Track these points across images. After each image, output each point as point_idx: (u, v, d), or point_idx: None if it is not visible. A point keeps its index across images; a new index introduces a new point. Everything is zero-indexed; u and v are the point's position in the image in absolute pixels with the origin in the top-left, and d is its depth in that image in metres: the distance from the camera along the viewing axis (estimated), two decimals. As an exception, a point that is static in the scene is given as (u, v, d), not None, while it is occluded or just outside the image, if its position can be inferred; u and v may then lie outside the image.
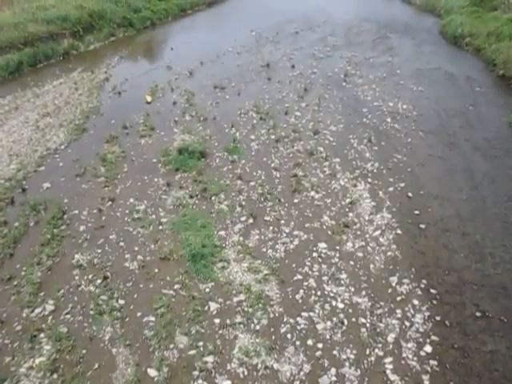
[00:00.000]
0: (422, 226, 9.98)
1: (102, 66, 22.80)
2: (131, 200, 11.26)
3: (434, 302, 8.06)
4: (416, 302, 8.06)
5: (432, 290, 8.29)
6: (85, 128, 15.58)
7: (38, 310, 8.11)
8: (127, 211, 10.84)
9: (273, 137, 14.27)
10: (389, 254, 9.23)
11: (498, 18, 25.31)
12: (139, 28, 31.56)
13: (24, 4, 29.42)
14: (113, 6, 31.01)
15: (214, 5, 42.74)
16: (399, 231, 9.87)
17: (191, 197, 11.25)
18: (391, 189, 11.40)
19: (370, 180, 11.80)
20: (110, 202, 11.23)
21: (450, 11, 30.75)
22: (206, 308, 8.02)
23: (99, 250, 9.54)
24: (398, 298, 8.15)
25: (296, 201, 11.04)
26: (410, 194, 11.14)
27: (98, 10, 29.11)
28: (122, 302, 8.21)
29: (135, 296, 8.35)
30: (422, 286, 8.41)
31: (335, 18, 33.40)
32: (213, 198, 11.19)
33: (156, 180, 12.15)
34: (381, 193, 11.24)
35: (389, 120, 15.34)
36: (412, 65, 21.65)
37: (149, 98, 17.85)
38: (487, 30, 23.37)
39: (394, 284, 8.47)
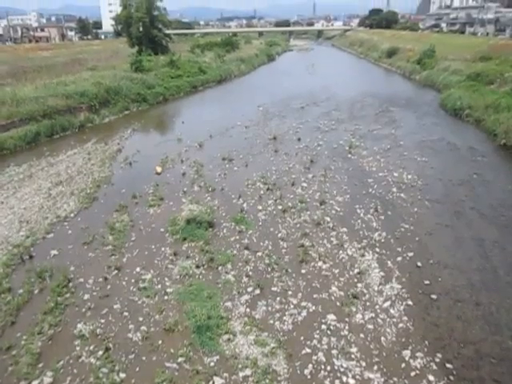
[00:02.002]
0: (434, 297, 9.75)
1: (115, 138, 23.79)
2: (138, 269, 11.20)
3: (451, 377, 7.64)
4: (432, 377, 7.66)
5: (448, 365, 7.90)
6: (95, 197, 15.91)
7: (35, 383, 7.81)
8: (133, 280, 10.75)
9: (280, 207, 14.44)
10: (400, 325, 8.94)
11: (495, 91, 26.54)
12: (152, 103, 33.34)
13: (46, 80, 31.51)
14: (128, 82, 33.05)
15: (224, 82, 45.40)
16: (410, 302, 9.63)
17: (198, 267, 11.18)
18: (400, 258, 11.30)
19: (377, 250, 11.74)
20: (116, 271, 11.17)
21: (449, 86, 32.38)
22: (211, 383, 7.69)
23: (102, 320, 9.35)
24: (413, 374, 7.75)
25: (303, 271, 10.92)
26: (419, 264, 11.02)
27: (114, 86, 31.01)
28: (122, 375, 7.89)
29: (137, 369, 8.04)
30: (437, 360, 8.03)
31: (339, 94, 35.10)
32: (219, 268, 11.11)
33: (163, 249, 12.16)
34: (389, 262, 11.13)
35: (394, 190, 15.56)
36: (415, 136, 22.37)
37: (159, 169, 18.37)
38: (485, 102, 24.47)
39: (407, 358, 8.09)
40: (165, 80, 37.71)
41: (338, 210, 14.21)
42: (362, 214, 13.82)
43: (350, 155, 19.58)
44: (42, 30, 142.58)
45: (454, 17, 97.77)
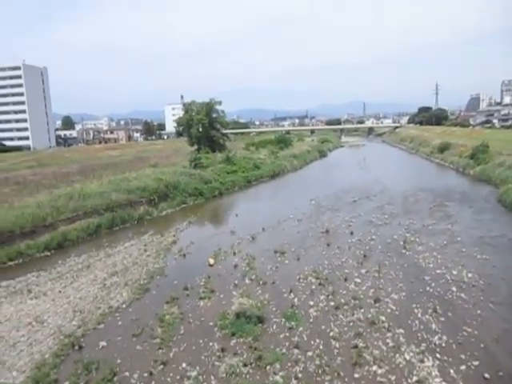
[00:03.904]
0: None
1: (171, 230, 24.71)
2: (184, 365, 10.97)
3: None
4: None
5: None
6: (148, 288, 16.22)
7: None
8: (178, 377, 10.49)
9: (332, 303, 13.97)
10: None
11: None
12: (208, 197, 34.79)
13: (111, 176, 34.14)
14: (187, 178, 35.05)
15: (277, 177, 46.92)
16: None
17: (245, 365, 10.77)
18: (463, 367, 10.30)
19: (438, 355, 10.81)
20: (162, 366, 10.99)
21: (507, 181, 31.41)
22: None
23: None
24: None
25: (357, 375, 10.20)
26: (486, 375, 9.95)
27: (173, 181, 32.96)
28: None
29: None
30: None
31: (391, 188, 35.02)
32: (267, 367, 10.63)
33: (211, 344, 11.92)
34: (452, 371, 10.15)
35: (454, 289, 14.65)
36: (473, 232, 21.47)
37: (211, 261, 18.64)
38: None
39: None
40: (221, 175, 39.66)
41: (394, 308, 13.50)
42: (419, 315, 13.01)
43: (404, 251, 18.99)
44: (112, 133, 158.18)
45: (506, 113, 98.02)
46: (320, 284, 15.58)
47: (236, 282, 16.24)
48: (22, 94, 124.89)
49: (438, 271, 16.34)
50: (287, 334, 12.24)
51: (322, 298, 14.41)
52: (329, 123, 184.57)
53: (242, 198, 36.24)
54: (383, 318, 12.79)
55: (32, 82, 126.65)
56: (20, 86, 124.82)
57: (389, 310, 13.38)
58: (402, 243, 19.90)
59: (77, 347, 12.09)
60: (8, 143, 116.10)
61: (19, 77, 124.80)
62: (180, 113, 71.73)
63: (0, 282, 17.19)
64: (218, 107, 58.41)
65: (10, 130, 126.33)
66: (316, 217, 26.41)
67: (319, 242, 20.87)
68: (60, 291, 16.10)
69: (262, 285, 15.83)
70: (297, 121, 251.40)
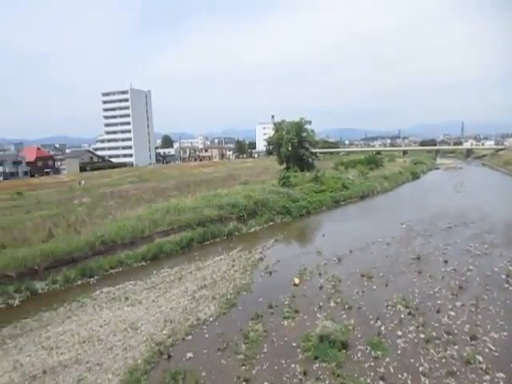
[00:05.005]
0: None
1: (258, 247, 25.15)
2: (265, 384, 11.03)
3: None
4: None
5: None
6: (234, 303, 16.62)
7: None
8: (261, 396, 10.56)
9: (422, 336, 13.18)
10: None
11: None
12: (296, 215, 34.92)
13: (204, 192, 35.82)
14: (275, 196, 35.58)
15: (366, 198, 45.62)
16: None
17: (328, 391, 10.56)
18: None
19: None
20: (244, 383, 11.16)
21: None
22: None
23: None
24: None
25: (449, 417, 9.48)
26: None
27: (262, 199, 33.66)
28: None
29: None
30: None
31: (492, 216, 32.23)
32: (351, 396, 10.31)
33: (293, 366, 11.86)
34: None
35: None
36: None
37: (297, 281, 18.63)
38: None
39: None
40: (309, 194, 39.65)
41: (493, 348, 12.35)
42: (524, 358, 11.76)
43: (507, 285, 17.33)
44: (206, 151, 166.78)
45: None
46: (410, 313, 14.80)
47: (321, 303, 16.04)
48: (128, 116, 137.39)
49: (548, 310, 14.68)
50: (372, 364, 11.79)
51: (412, 329, 13.67)
52: (423, 144, 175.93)
53: (329, 218, 35.79)
54: (480, 359, 11.77)
55: (137, 105, 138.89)
56: (127, 108, 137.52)
57: (487, 350, 12.28)
58: (504, 276, 18.21)
59: (166, 356, 12.76)
60: (114, 160, 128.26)
61: (126, 100, 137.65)
62: (270, 132, 73.31)
63: (102, 288, 18.79)
64: (307, 126, 58.89)
65: (117, 148, 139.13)
66: (407, 242, 25.21)
67: (409, 269, 19.86)
68: (153, 300, 17.13)
69: (348, 309, 15.45)
70: (388, 141, 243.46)
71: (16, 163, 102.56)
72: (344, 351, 12.38)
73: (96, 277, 20.53)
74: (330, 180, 45.51)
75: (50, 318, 16.00)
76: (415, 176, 68.13)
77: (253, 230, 30.59)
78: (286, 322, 14.68)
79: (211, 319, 15.24)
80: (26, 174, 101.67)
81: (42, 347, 13.62)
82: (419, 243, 24.63)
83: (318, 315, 14.97)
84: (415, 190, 54.64)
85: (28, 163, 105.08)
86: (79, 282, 19.95)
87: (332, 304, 16.05)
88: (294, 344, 13.08)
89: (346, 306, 15.64)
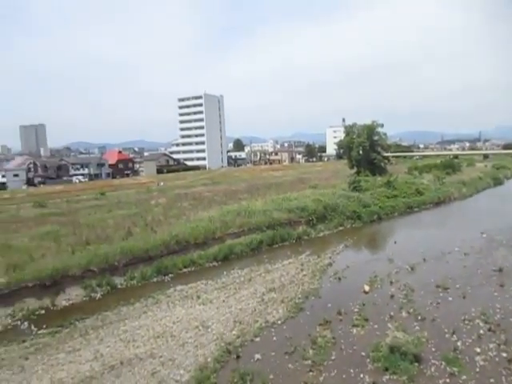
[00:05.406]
0: None
1: (327, 252, 24.90)
2: (333, 392, 10.91)
3: None
4: None
5: None
6: (302, 308, 16.60)
7: None
8: (327, 403, 10.46)
9: (504, 355, 12.29)
10: None
11: None
12: (366, 221, 34.11)
13: (273, 195, 36.16)
14: (345, 200, 35.02)
15: (442, 204, 43.38)
16: None
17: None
18: None
19: None
20: (315, 390, 11.12)
21: None
22: None
23: None
24: None
25: None
26: None
27: (332, 203, 33.31)
28: None
29: None
30: None
31: None
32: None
33: (362, 376, 11.61)
34: None
35: None
36: None
37: (367, 288, 18.21)
38: None
39: None
40: (380, 199, 38.53)
41: None
42: None
43: None
44: (276, 154, 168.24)
45: None
46: (490, 330, 13.88)
47: (392, 313, 15.54)
48: (201, 120, 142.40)
49: None
50: (447, 381, 11.23)
51: (492, 347, 12.81)
52: (506, 147, 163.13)
53: (401, 225, 34.52)
54: None
55: (210, 109, 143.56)
56: (201, 112, 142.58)
57: None
58: None
59: (235, 356, 13.03)
60: (188, 163, 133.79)
61: (200, 105, 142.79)
62: (341, 135, 72.36)
63: (175, 286, 19.64)
64: (379, 129, 57.23)
65: (191, 151, 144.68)
66: (487, 252, 23.62)
67: (490, 282, 18.60)
68: (223, 300, 17.60)
69: (421, 320, 14.83)
70: (467, 144, 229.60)
71: (100, 165, 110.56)
72: (416, 364, 11.89)
73: (170, 275, 21.49)
74: (403, 185, 43.89)
75: (127, 312, 17.02)
76: (497, 182, 63.47)
77: (322, 234, 30.33)
78: (355, 330, 14.41)
79: (279, 322, 15.34)
80: (108, 175, 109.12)
81: (120, 339, 14.52)
82: (501, 254, 22.99)
83: (389, 325, 14.53)
84: (497, 196, 50.99)
85: (110, 165, 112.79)
86: (154, 280, 21.01)
87: (404, 314, 15.49)
88: (363, 353, 12.80)
89: (419, 318, 15.02)
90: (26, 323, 16.36)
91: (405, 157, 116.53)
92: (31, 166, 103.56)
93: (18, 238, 25.12)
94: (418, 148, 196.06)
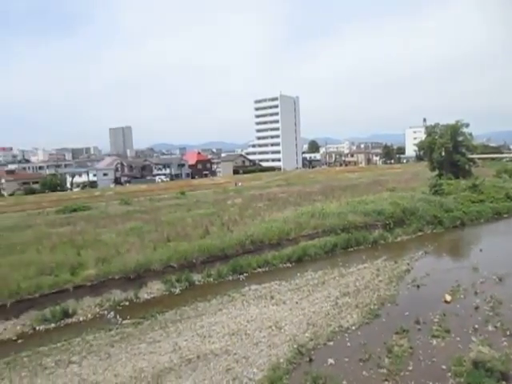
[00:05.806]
0: None
1: (405, 258, 23.94)
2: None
3: None
4: None
5: None
6: (378, 314, 16.14)
7: None
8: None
9: None
10: None
11: None
12: (448, 226, 32.24)
13: (349, 198, 35.49)
14: (425, 204, 33.38)
15: (539, 210, 39.75)
16: None
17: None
18: None
19: None
20: (386, 400, 10.79)
21: None
22: None
23: None
24: None
25: None
26: None
27: (410, 207, 31.94)
28: None
29: None
30: None
31: None
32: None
33: (445, 392, 11.03)
34: None
35: None
36: None
37: (448, 298, 17.25)
38: None
39: None
40: (464, 204, 36.22)
41: None
42: None
43: None
44: (352, 156, 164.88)
45: None
46: None
47: (476, 326, 14.58)
48: (277, 121, 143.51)
49: None
50: (539, 403, 10.33)
51: None
52: None
53: (488, 232, 32.18)
54: None
55: (286, 111, 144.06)
56: (276, 114, 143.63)
57: None
58: None
59: (307, 359, 13.01)
60: (264, 164, 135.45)
61: (276, 106, 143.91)
62: (421, 136, 68.93)
63: (250, 286, 20.04)
64: (464, 130, 53.66)
65: (266, 152, 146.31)
66: None
67: None
68: (297, 302, 17.63)
69: (509, 336, 13.76)
70: None
71: (180, 165, 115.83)
72: (504, 383, 11.07)
73: (245, 274, 21.96)
74: (490, 189, 40.87)
75: (204, 308, 17.66)
76: None
77: (399, 239, 29.20)
78: (434, 341, 13.72)
79: (353, 328, 15.05)
80: (187, 175, 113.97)
81: (197, 334, 15.11)
82: None
83: (473, 338, 13.65)
84: None
85: (189, 166, 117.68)
86: (230, 278, 21.60)
87: (490, 328, 14.45)
88: (443, 366, 12.15)
89: (508, 333, 13.94)
90: (112, 313, 17.63)
91: (493, 159, 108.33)
92: (119, 165, 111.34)
93: (106, 233, 27.08)
94: (509, 149, 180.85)
